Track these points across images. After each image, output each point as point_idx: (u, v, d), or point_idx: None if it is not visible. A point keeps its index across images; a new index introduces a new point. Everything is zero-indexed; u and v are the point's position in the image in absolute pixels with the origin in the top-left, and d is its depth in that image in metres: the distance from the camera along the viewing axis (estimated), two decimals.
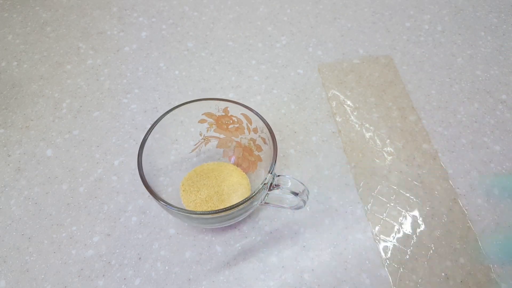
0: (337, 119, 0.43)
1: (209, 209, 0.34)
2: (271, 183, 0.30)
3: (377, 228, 0.36)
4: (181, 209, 0.28)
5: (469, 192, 0.38)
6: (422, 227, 0.36)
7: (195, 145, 0.38)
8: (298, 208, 0.33)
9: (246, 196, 0.33)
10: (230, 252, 0.34)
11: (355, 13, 0.53)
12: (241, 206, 0.29)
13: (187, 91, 0.45)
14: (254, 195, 0.29)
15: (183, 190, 0.36)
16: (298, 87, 0.46)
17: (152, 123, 0.33)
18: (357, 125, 0.43)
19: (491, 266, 0.34)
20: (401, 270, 0.34)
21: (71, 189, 0.38)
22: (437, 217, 0.36)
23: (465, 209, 0.37)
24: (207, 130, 0.37)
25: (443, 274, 0.34)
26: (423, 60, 0.48)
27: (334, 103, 0.44)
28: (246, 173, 0.37)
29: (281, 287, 0.33)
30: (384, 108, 0.44)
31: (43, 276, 0.33)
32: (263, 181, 0.29)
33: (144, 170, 0.30)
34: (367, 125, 0.43)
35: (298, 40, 0.50)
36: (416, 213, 0.37)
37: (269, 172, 0.30)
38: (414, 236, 0.35)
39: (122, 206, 0.37)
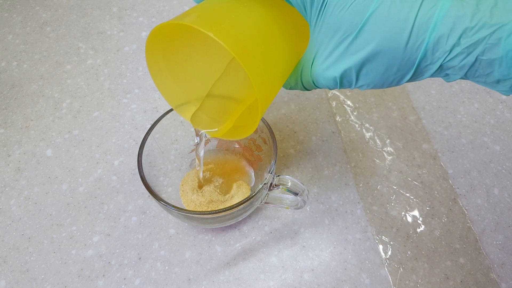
0: (337, 119, 0.43)
1: (209, 209, 0.34)
2: (271, 183, 0.30)
3: (377, 228, 0.36)
4: (181, 209, 0.28)
5: (469, 192, 0.38)
6: (422, 227, 0.36)
7: (195, 145, 0.38)
8: (298, 208, 0.33)
9: (246, 196, 0.33)
10: (230, 252, 0.34)
11: None
12: (241, 206, 0.29)
13: None
14: (254, 195, 0.29)
15: (183, 190, 0.36)
16: None
17: (152, 123, 0.33)
18: (357, 125, 0.43)
19: (491, 266, 0.34)
20: (401, 270, 0.34)
21: (71, 189, 0.38)
22: (437, 217, 0.36)
23: (465, 209, 0.37)
24: None
25: (443, 274, 0.34)
26: None
27: (334, 103, 0.44)
28: (246, 173, 0.37)
29: (281, 287, 0.33)
30: (384, 108, 0.44)
31: (43, 276, 0.33)
32: (263, 181, 0.29)
33: (144, 170, 0.30)
34: (367, 125, 0.43)
35: None
36: (416, 213, 0.37)
37: (269, 172, 0.30)
38: (414, 236, 0.35)
39: (122, 206, 0.37)
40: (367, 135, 0.42)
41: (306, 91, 0.29)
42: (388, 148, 0.41)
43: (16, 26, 0.51)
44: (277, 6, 0.24)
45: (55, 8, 0.54)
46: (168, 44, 0.25)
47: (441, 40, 0.19)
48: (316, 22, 0.22)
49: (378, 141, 0.42)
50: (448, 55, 0.19)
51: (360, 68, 0.21)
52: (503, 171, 0.40)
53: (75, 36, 0.51)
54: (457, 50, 0.18)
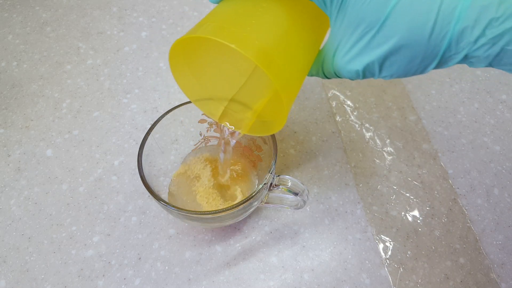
0: (337, 119, 0.43)
1: (209, 209, 0.34)
2: (271, 183, 0.30)
3: (377, 228, 0.36)
4: (181, 209, 0.28)
5: (469, 192, 0.38)
6: (422, 227, 0.36)
7: (195, 145, 0.38)
8: (298, 208, 0.33)
9: (246, 196, 0.33)
10: (230, 252, 0.34)
11: None
12: (241, 206, 0.29)
13: None
14: (254, 195, 0.29)
15: (176, 190, 0.36)
16: None
17: (152, 123, 0.33)
18: (357, 125, 0.43)
19: (491, 266, 0.34)
20: (401, 270, 0.34)
21: (71, 189, 0.38)
22: (437, 217, 0.36)
23: (465, 209, 0.37)
24: (207, 130, 0.37)
25: (443, 274, 0.34)
26: None
27: (334, 103, 0.44)
28: (246, 173, 0.37)
29: (281, 287, 0.33)
30: (384, 108, 0.44)
31: (43, 276, 0.33)
32: (263, 181, 0.29)
33: (144, 170, 0.30)
34: (367, 125, 0.43)
35: None
36: (416, 213, 0.37)
37: (269, 172, 0.30)
38: (414, 236, 0.35)
39: (122, 206, 0.37)
40: (367, 135, 0.42)
41: (320, 77, 0.29)
42: (388, 148, 0.41)
43: (16, 26, 0.51)
44: (294, 2, 0.24)
45: (55, 8, 0.54)
46: (189, 49, 0.26)
47: (466, 31, 0.18)
48: (337, 16, 0.22)
49: (378, 141, 0.42)
50: (473, 46, 0.19)
51: (383, 61, 0.21)
52: (503, 171, 0.40)
53: (75, 36, 0.51)
54: (482, 41, 0.18)
